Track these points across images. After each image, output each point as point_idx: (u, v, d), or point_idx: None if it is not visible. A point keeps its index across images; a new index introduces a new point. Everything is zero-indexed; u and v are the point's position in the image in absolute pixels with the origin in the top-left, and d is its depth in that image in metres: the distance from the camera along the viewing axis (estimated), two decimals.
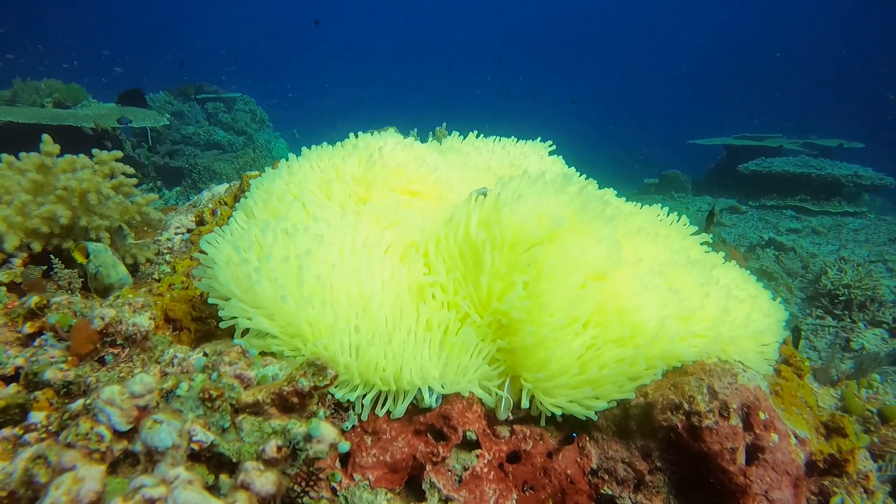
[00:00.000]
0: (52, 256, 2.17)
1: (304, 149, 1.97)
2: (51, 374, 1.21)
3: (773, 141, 14.12)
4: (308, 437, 0.95)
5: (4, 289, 1.92)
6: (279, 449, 0.94)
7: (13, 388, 1.25)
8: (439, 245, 1.48)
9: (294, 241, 1.37)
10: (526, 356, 1.41)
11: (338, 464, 1.31)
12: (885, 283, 6.49)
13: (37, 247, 2.23)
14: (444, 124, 4.09)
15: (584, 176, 2.26)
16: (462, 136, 2.34)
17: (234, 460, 0.94)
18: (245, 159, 9.21)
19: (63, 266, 2.11)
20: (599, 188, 2.08)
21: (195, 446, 0.92)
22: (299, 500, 0.98)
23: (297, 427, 0.97)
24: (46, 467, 0.79)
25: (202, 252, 1.52)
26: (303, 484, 0.96)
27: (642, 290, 1.46)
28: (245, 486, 0.86)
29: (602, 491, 1.49)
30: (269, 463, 0.92)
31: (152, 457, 0.87)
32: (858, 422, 1.83)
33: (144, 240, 2.69)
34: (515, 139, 2.31)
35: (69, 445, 0.85)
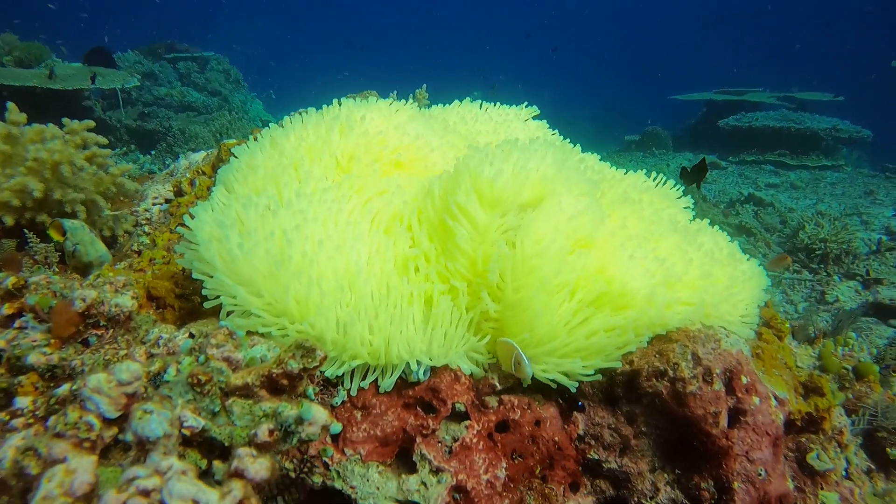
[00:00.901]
0: (25, 231, 2.11)
1: (286, 118, 1.92)
2: (34, 359, 1.19)
3: (755, 95, 14.11)
4: (300, 420, 0.96)
5: None
6: (271, 433, 0.94)
7: None
8: (421, 216, 1.46)
9: (278, 217, 1.34)
10: (513, 320, 1.41)
11: (328, 439, 1.32)
12: (860, 237, 6.63)
13: (9, 220, 2.17)
14: (424, 86, 4.00)
15: (568, 140, 2.24)
16: (445, 104, 2.29)
17: (227, 444, 0.94)
18: (221, 121, 8.97)
19: (38, 240, 2.06)
20: (581, 145, 2.06)
21: (186, 432, 0.92)
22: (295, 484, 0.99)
23: (288, 410, 0.97)
24: (37, 459, 0.78)
25: (184, 227, 1.49)
26: (297, 469, 0.96)
27: (628, 258, 1.46)
28: (239, 474, 0.87)
29: (589, 456, 1.53)
30: (262, 447, 0.93)
31: (144, 446, 0.86)
32: (834, 379, 1.89)
33: (121, 211, 2.62)
34: (498, 104, 2.27)
35: (58, 435, 0.84)
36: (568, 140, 2.25)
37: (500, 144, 1.48)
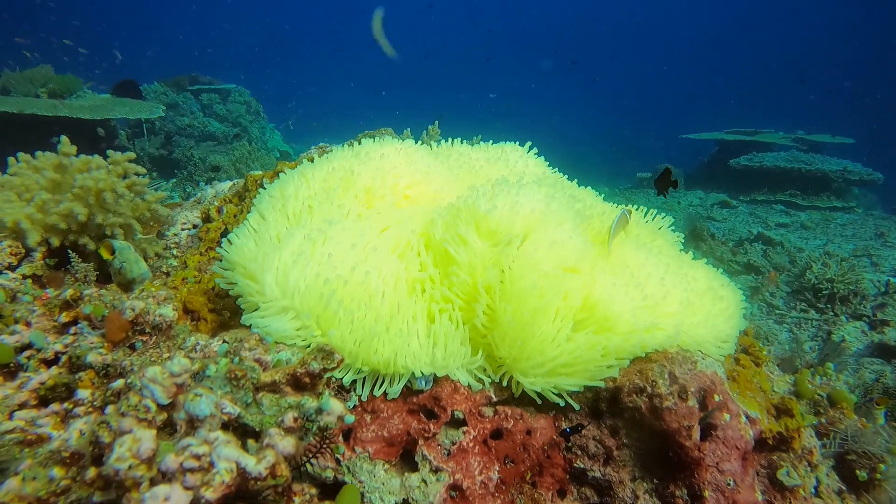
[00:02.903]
0: (69, 251, 2.33)
1: (315, 157, 2.14)
2: (92, 358, 1.38)
3: (766, 136, 14.26)
4: (319, 410, 1.13)
5: (30, 280, 2.08)
6: (295, 420, 1.12)
7: (55, 370, 1.42)
8: (427, 244, 1.65)
9: (315, 244, 1.55)
10: (504, 336, 1.58)
11: (341, 438, 1.49)
12: (868, 278, 6.68)
13: (55, 242, 2.38)
14: (436, 122, 4.24)
15: (568, 177, 2.45)
16: (452, 141, 2.51)
17: (258, 429, 1.12)
18: (241, 151, 9.31)
19: (79, 260, 2.28)
20: (593, 182, 2.25)
21: (225, 417, 1.09)
22: (313, 460, 1.16)
23: (310, 402, 1.15)
24: (109, 430, 0.96)
25: (224, 250, 1.69)
26: (316, 447, 1.13)
27: (612, 284, 1.64)
28: (271, 447, 1.04)
29: (575, 465, 1.68)
30: (288, 430, 1.10)
31: (193, 424, 1.04)
32: (809, 405, 2.02)
33: (152, 235, 2.85)
34: (492, 142, 2.50)
35: (123, 414, 1.02)
36: (566, 176, 2.46)
37: (496, 182, 1.68)
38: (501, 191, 1.64)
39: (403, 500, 1.49)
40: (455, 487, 1.52)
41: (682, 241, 2.18)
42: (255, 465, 0.97)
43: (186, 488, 0.91)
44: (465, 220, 1.58)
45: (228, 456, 0.96)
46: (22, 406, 1.29)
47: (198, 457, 0.95)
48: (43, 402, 1.32)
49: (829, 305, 6.38)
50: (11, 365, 1.42)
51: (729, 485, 1.57)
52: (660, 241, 2.05)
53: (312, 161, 2.01)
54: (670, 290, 1.71)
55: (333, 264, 1.50)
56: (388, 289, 1.56)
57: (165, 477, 0.92)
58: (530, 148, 2.54)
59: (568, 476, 1.69)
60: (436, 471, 1.52)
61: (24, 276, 2.15)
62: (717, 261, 7.79)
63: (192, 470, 0.93)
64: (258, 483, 0.96)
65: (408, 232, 1.69)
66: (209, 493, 0.91)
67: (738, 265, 7.88)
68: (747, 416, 1.70)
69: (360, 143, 2.06)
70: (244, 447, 1.06)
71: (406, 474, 1.52)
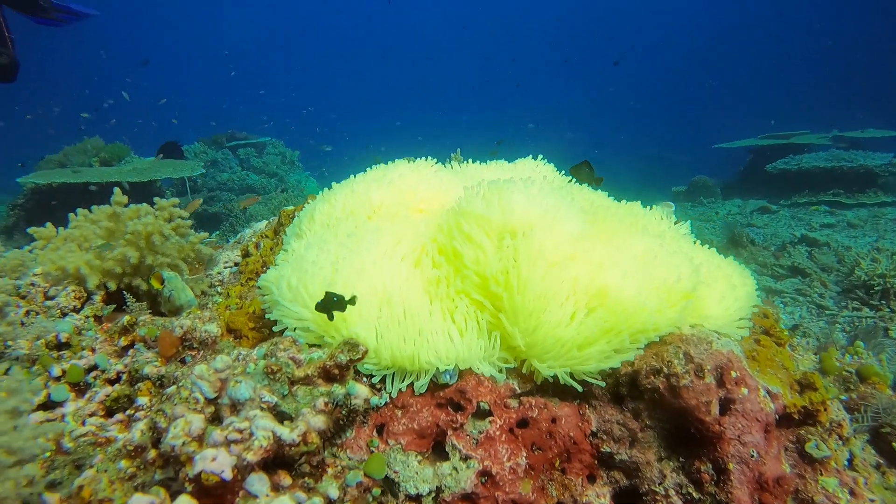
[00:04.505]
0: (124, 293, 2.56)
1: (333, 184, 2.33)
2: (148, 370, 1.55)
3: (801, 137, 13.98)
4: (347, 395, 1.25)
5: (92, 319, 2.29)
6: (326, 404, 1.25)
7: (118, 386, 1.59)
8: (439, 245, 1.79)
9: (329, 254, 1.71)
10: (516, 326, 1.68)
11: (375, 433, 1.61)
12: None
13: (112, 285, 2.62)
14: (459, 150, 4.42)
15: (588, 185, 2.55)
16: (468, 162, 2.69)
17: (293, 416, 1.25)
18: (278, 200, 9.73)
19: (134, 300, 2.50)
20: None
21: (264, 405, 1.22)
22: (341, 434, 1.28)
23: (339, 389, 1.28)
24: (164, 416, 1.10)
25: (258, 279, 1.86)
26: (344, 420, 1.25)
27: (618, 269, 1.72)
28: (304, 420, 1.17)
29: (602, 449, 1.74)
30: (320, 411, 1.23)
31: (236, 407, 1.18)
32: (838, 381, 2.03)
33: (198, 275, 3.07)
34: (507, 160, 2.65)
35: (176, 405, 1.16)
36: (585, 185, 2.57)
37: (498, 180, 1.82)
38: (502, 187, 1.76)
39: (437, 487, 1.58)
40: (485, 473, 1.61)
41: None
42: (289, 433, 1.10)
43: (231, 453, 1.04)
44: (469, 217, 1.71)
45: (265, 426, 1.09)
46: (92, 415, 1.46)
47: (240, 430, 1.08)
48: (109, 412, 1.49)
49: (883, 301, 6.18)
50: (81, 384, 1.60)
51: (752, 456, 1.61)
52: (670, 232, 2.12)
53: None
54: (678, 273, 1.78)
55: (352, 268, 1.65)
56: (404, 290, 1.68)
57: (213, 447, 1.06)
58: (543, 159, 2.67)
59: (596, 461, 1.76)
60: (465, 458, 1.61)
61: (87, 317, 2.37)
62: (759, 266, 7.65)
63: (235, 441, 1.06)
64: (292, 449, 1.09)
65: (422, 237, 1.83)
66: (250, 456, 1.04)
67: (782, 269, 7.71)
68: (768, 391, 1.74)
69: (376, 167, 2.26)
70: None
71: (438, 463, 1.62)
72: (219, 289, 3.07)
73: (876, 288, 6.39)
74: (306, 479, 1.16)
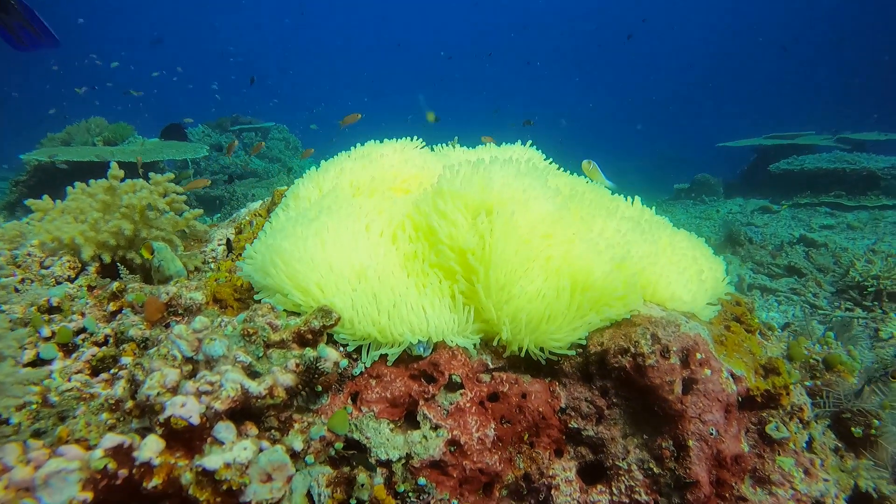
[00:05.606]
0: (119, 265, 2.62)
1: (322, 162, 2.39)
2: (133, 332, 1.61)
3: (806, 138, 13.97)
4: (318, 358, 1.32)
5: (85, 288, 2.36)
6: (297, 365, 1.31)
7: (105, 348, 1.66)
8: (415, 222, 1.85)
9: (308, 226, 1.77)
10: (489, 299, 1.74)
11: (349, 400, 1.67)
12: None
13: (107, 257, 2.68)
14: (456, 138, 4.47)
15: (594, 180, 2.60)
16: (454, 146, 2.74)
17: (265, 375, 1.31)
18: (280, 184, 9.78)
19: (128, 272, 2.56)
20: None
21: (238, 365, 1.29)
22: (307, 389, 1.35)
23: (311, 352, 1.34)
24: (142, 370, 1.17)
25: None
26: (308, 377, 1.32)
27: (588, 246, 1.78)
28: (272, 376, 1.23)
29: (570, 425, 1.81)
30: (290, 371, 1.29)
31: (210, 364, 1.24)
32: (805, 368, 2.09)
33: (192, 251, 3.13)
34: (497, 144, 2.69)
35: (154, 360, 1.23)
36: (576, 174, 2.62)
37: (472, 160, 1.87)
38: (480, 166, 1.82)
39: (407, 454, 1.65)
40: (453, 443, 1.67)
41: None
42: (256, 386, 1.17)
43: (201, 403, 1.11)
44: (444, 195, 1.77)
45: (234, 379, 1.16)
46: (78, 373, 1.53)
47: (211, 383, 1.14)
48: (95, 372, 1.56)
49: (875, 303, 6.22)
50: (70, 345, 1.67)
51: (712, 434, 1.67)
52: (645, 217, 2.18)
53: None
54: (643, 249, 1.84)
55: (321, 242, 1.71)
56: (380, 264, 1.75)
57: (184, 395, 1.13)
58: (532, 145, 2.72)
59: (564, 436, 1.82)
60: (435, 427, 1.68)
61: (80, 287, 2.44)
62: (756, 265, 7.69)
63: (206, 392, 1.13)
64: (259, 401, 1.15)
65: (399, 214, 1.89)
66: (217, 404, 1.10)
67: (778, 268, 7.75)
68: (732, 374, 1.80)
69: (362, 146, 2.31)
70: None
71: (409, 431, 1.68)
72: (212, 265, 3.13)
73: (869, 289, 6.43)
74: (273, 431, 1.23)
